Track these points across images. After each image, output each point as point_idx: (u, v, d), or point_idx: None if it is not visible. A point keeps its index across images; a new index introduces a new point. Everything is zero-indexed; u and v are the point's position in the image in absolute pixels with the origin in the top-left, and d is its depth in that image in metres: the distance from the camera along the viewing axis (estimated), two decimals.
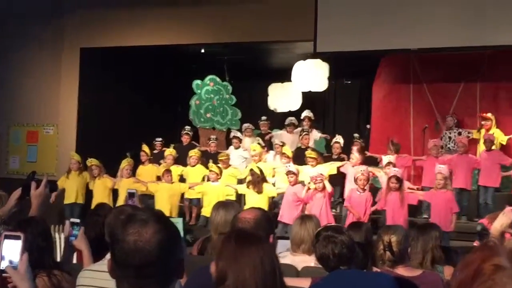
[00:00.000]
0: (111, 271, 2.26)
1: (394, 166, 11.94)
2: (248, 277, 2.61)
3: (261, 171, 12.24)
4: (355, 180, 11.57)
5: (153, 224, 2.21)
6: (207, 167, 13.15)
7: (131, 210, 3.78)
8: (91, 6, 14.89)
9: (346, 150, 13.27)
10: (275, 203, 12.77)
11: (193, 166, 13.57)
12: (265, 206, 11.37)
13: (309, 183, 11.72)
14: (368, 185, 11.55)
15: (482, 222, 9.92)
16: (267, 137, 14.90)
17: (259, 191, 11.96)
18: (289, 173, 11.82)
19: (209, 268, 2.77)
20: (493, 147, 12.93)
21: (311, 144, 14.02)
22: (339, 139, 13.66)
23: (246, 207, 9.42)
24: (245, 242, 2.72)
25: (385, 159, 12.47)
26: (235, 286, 2.60)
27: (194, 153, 13.71)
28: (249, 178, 12.27)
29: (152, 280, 2.20)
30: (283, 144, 13.58)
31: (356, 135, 14.09)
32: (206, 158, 14.00)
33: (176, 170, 13.54)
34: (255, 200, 11.55)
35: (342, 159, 13.12)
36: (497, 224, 4.67)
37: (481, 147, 13.29)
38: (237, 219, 3.33)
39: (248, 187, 12.12)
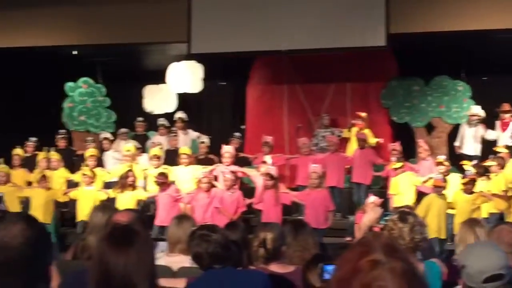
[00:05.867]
0: None
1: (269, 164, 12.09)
2: (132, 273, 2.58)
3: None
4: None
5: (22, 223, 2.21)
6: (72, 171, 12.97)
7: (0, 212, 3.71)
8: None
9: (216, 151, 13.19)
10: (147, 206, 12.69)
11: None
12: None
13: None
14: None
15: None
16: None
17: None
18: (160, 175, 11.79)
19: (83, 272, 2.73)
20: (366, 146, 13.33)
21: (187, 145, 13.98)
22: (204, 139, 13.80)
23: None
24: (123, 239, 2.69)
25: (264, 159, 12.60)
26: (120, 283, 2.56)
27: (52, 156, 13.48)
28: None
29: (14, 280, 2.18)
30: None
31: (237, 134, 14.19)
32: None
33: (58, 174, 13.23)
34: (125, 203, 11.31)
35: (209, 159, 13.18)
36: (366, 220, 4.88)
37: (352, 145, 13.68)
38: (110, 222, 3.31)
39: (116, 189, 11.96)
